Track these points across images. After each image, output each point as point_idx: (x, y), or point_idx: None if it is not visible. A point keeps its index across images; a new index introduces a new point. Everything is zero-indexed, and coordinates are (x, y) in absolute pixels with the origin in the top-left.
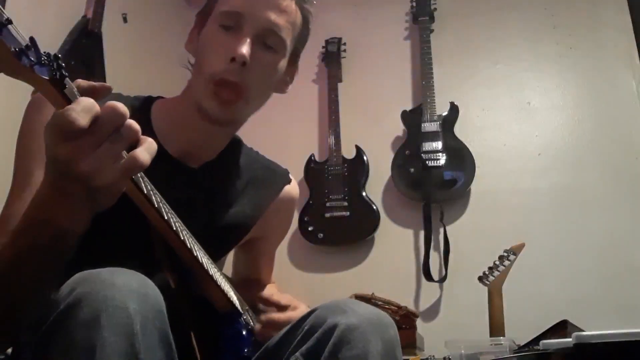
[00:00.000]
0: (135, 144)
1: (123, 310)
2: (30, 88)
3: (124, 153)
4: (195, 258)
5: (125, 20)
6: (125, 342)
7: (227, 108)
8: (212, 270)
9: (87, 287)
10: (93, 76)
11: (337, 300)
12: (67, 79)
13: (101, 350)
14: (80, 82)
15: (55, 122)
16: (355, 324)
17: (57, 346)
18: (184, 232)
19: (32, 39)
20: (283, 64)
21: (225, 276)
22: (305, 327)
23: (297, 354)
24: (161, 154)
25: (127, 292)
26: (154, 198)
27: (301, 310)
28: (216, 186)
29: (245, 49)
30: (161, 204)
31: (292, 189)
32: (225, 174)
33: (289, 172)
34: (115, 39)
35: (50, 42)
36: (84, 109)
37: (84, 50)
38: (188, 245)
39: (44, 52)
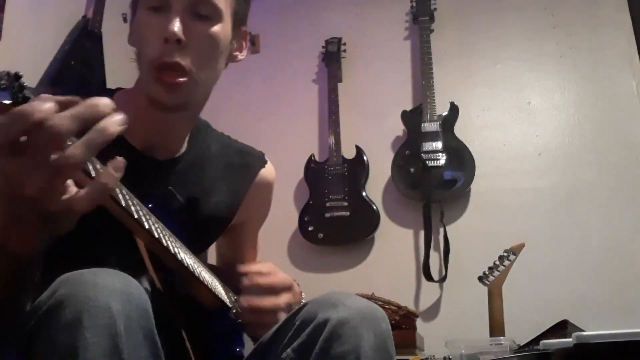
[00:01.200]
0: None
1: (105, 310)
2: None
3: (99, 167)
4: (181, 262)
5: (125, 20)
6: (108, 343)
7: (174, 91)
8: (198, 270)
9: (69, 288)
10: (93, 76)
11: (328, 293)
12: (32, 99)
13: (84, 351)
14: (45, 98)
15: None
16: (347, 318)
17: (40, 349)
18: (167, 237)
19: None
20: (225, 29)
21: (211, 266)
22: (297, 323)
23: (289, 350)
24: (127, 149)
25: (109, 292)
26: (132, 209)
27: (281, 277)
28: (190, 177)
29: (175, 26)
30: (141, 213)
31: (268, 171)
32: (197, 163)
33: (264, 154)
34: (115, 39)
35: (50, 42)
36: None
37: (84, 50)
38: (172, 250)
39: (3, 73)
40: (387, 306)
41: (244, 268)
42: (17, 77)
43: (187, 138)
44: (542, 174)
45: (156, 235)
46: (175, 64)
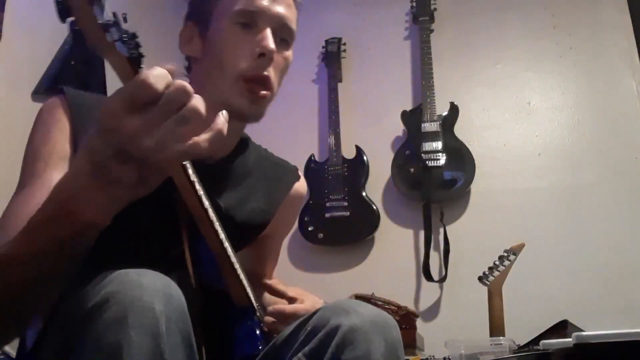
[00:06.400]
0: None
1: (149, 310)
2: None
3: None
4: (225, 250)
5: (125, 20)
6: (151, 342)
7: (259, 103)
8: (237, 264)
9: (114, 286)
10: (93, 76)
11: (340, 300)
12: (144, 59)
13: (128, 349)
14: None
15: (127, 90)
16: (358, 324)
17: (84, 344)
18: (217, 223)
19: (115, 15)
20: (291, 53)
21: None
22: (309, 328)
23: (300, 354)
24: None
25: (153, 292)
26: (197, 185)
27: (310, 302)
28: (231, 183)
29: (272, 43)
30: (202, 192)
31: (301, 185)
32: (238, 171)
33: (297, 169)
34: None
35: (50, 42)
36: (158, 76)
37: (84, 50)
38: (220, 235)
39: (125, 30)
40: (387, 306)
41: (269, 282)
42: (135, 36)
43: (232, 147)
44: (542, 174)
45: (210, 218)
46: (267, 77)
